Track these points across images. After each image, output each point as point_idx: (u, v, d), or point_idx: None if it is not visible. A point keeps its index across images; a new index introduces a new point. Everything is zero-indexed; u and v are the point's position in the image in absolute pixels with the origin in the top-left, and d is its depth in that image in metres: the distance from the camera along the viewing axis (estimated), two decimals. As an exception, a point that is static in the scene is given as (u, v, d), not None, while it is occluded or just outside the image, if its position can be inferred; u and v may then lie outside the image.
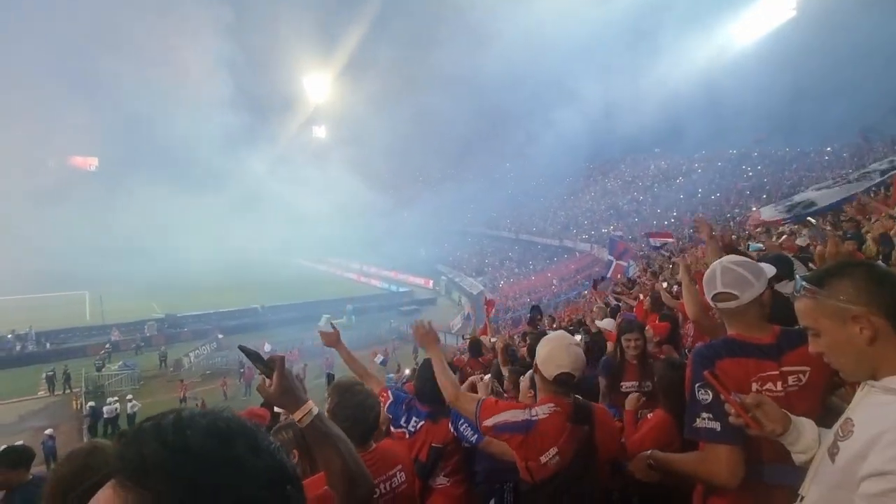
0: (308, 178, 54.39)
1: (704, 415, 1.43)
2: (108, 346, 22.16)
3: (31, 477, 2.84)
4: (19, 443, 3.51)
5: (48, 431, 12.59)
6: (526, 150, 51.90)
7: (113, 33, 51.48)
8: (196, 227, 45.91)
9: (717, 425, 1.39)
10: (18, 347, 21.68)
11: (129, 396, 15.97)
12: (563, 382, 1.85)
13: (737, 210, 25.47)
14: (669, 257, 13.86)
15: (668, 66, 44.69)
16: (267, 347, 18.85)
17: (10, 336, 21.65)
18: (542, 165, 50.42)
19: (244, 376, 19.08)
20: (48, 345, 22.56)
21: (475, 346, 5.71)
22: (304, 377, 18.52)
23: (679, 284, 4.67)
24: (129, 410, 15.20)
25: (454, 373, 2.61)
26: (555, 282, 31.53)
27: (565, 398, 1.89)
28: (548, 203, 47.28)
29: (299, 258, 51.43)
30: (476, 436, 2.22)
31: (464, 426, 2.29)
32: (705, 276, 1.64)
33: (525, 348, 5.06)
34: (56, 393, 18.04)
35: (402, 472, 1.90)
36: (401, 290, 39.01)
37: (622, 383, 3.03)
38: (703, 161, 39.27)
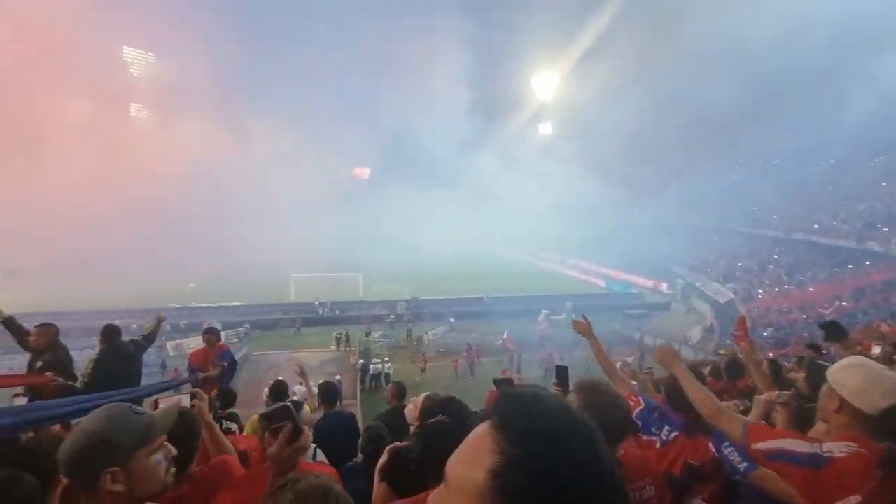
0: (535, 175, 56.11)
1: None
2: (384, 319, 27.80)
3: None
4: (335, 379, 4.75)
5: (337, 377, 16.55)
6: (809, 126, 39.88)
7: (380, 60, 63.46)
8: (439, 222, 53.20)
9: None
10: (321, 312, 29.22)
11: (387, 360, 19.61)
12: (889, 419, 1.42)
13: None
14: None
15: None
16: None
17: (317, 303, 29.36)
18: (834, 143, 38.48)
19: (468, 358, 21.11)
20: (336, 312, 29.71)
21: (734, 367, 4.47)
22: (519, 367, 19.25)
23: None
24: (385, 370, 18.79)
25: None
26: (846, 295, 23.93)
27: (875, 439, 1.45)
28: (844, 192, 35.39)
29: (524, 252, 53.71)
30: (745, 464, 1.79)
31: (729, 450, 1.87)
32: None
33: (802, 374, 3.79)
34: (341, 349, 23.59)
35: (652, 486, 1.74)
36: (628, 290, 36.30)
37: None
38: None
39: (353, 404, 15.21)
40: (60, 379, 3.93)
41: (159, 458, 1.25)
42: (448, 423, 1.69)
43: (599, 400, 1.65)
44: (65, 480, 1.19)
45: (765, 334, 22.25)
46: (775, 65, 43.90)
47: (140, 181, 42.32)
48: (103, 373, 4.32)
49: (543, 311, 29.27)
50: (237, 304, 29.10)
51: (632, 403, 2.11)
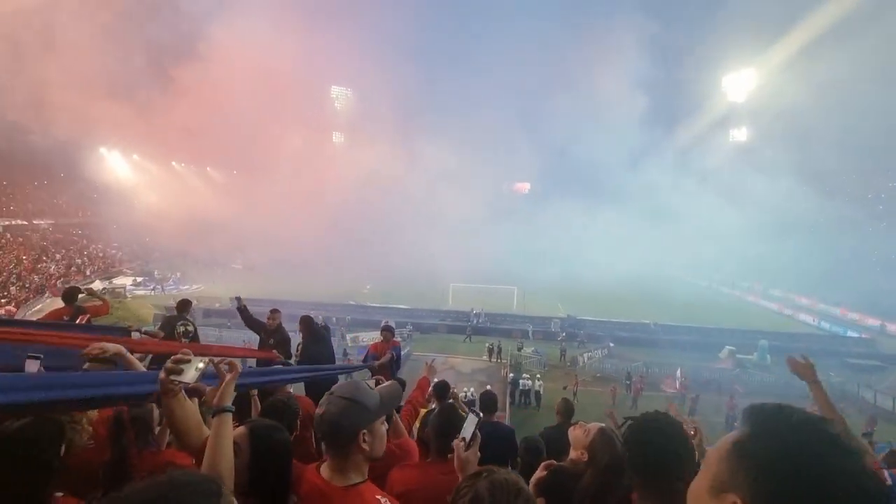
0: (725, 188, 48.55)
1: None
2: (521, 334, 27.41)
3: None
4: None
5: (488, 387, 16.65)
6: None
7: (546, 70, 62.67)
8: (603, 239, 50.06)
9: None
10: (475, 321, 30.04)
11: (539, 377, 18.94)
12: None
13: None
14: None
15: None
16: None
17: (472, 312, 30.30)
18: None
19: (632, 388, 18.99)
20: (489, 323, 30.14)
21: None
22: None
23: None
24: (536, 387, 18.13)
25: None
26: None
27: None
28: None
29: (703, 278, 46.92)
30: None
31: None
32: None
33: None
34: (493, 360, 23.75)
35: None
36: (854, 335, 28.54)
37: None
38: None
39: (501, 416, 15.03)
40: (281, 357, 5.04)
41: (385, 427, 1.58)
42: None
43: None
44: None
45: None
46: None
47: (334, 196, 49.99)
48: (308, 352, 5.36)
49: (727, 348, 24.87)
50: (402, 306, 31.80)
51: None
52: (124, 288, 32.79)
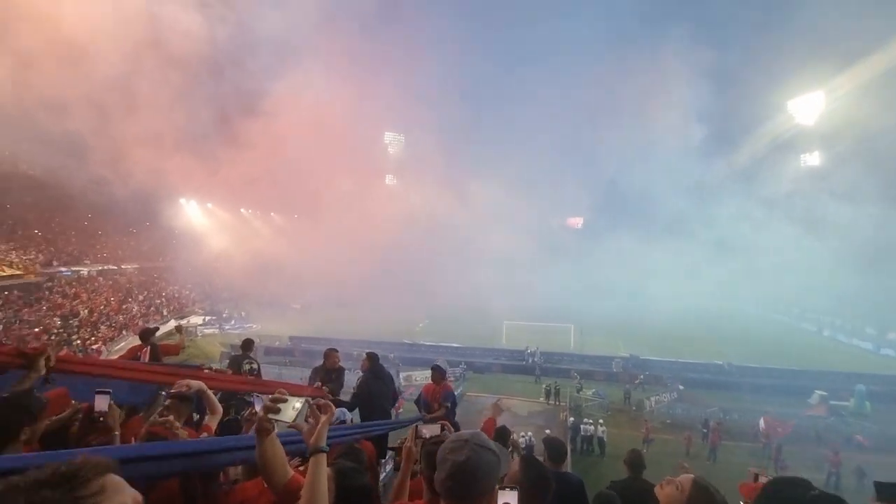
0: (801, 217, 44.87)
1: None
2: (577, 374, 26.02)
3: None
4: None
5: (547, 431, 15.78)
6: None
7: (595, 101, 61.95)
8: (668, 274, 47.52)
9: None
10: (530, 360, 29.00)
11: (601, 422, 17.71)
12: None
13: None
14: None
15: None
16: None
17: (527, 351, 29.33)
18: None
19: (709, 438, 17.25)
20: (546, 363, 28.95)
21: None
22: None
23: None
24: (598, 433, 16.90)
25: None
26: None
27: None
28: None
29: (780, 313, 42.96)
30: None
31: None
32: None
33: None
34: (550, 402, 22.62)
35: None
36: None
37: None
38: None
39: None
40: (328, 393, 5.11)
41: None
42: None
43: None
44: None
45: None
46: None
47: (387, 237, 51.46)
48: (368, 388, 5.39)
49: (817, 393, 22.26)
50: (455, 345, 31.44)
51: None
52: (195, 327, 34.97)
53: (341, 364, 5.88)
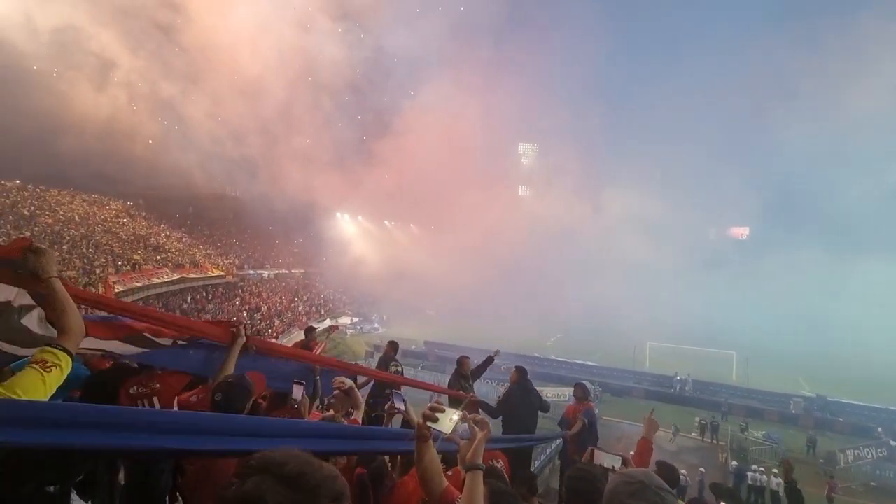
0: None
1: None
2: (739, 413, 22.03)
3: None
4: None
5: (701, 470, 13.75)
6: None
7: (765, 89, 52.96)
8: (863, 299, 38.22)
9: None
10: (678, 388, 25.71)
11: (775, 472, 14.72)
12: None
13: None
14: None
15: None
16: None
17: (676, 377, 26.12)
18: None
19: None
20: (698, 393, 25.34)
21: None
22: None
23: None
24: (772, 486, 14.02)
25: None
26: None
27: None
28: None
29: None
30: None
31: None
32: None
33: None
34: (705, 439, 19.67)
35: None
36: None
37: None
38: None
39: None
40: (475, 397, 5.46)
41: None
42: None
43: None
44: None
45: None
46: None
47: (523, 248, 51.17)
48: (514, 399, 5.48)
49: None
50: (590, 363, 29.55)
51: None
52: (345, 326, 39.16)
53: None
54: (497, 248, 50.66)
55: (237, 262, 42.12)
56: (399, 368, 6.10)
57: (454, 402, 5.14)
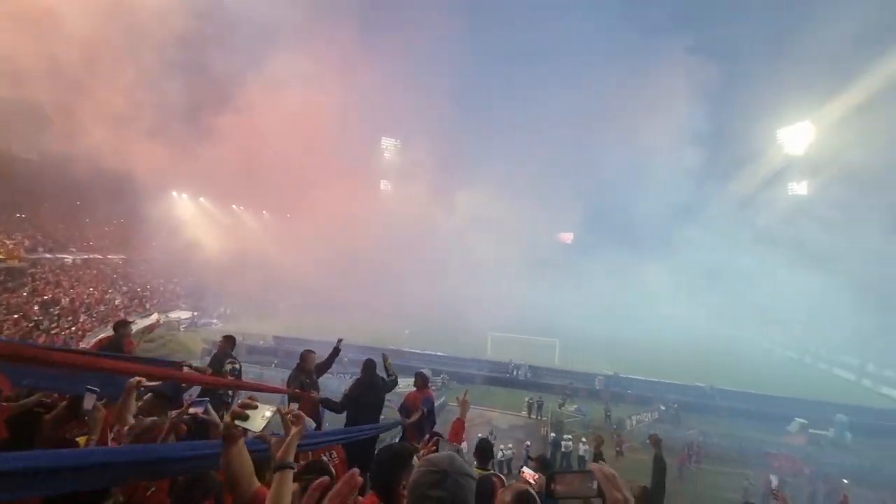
0: (787, 245, 45.74)
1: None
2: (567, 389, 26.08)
3: None
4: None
5: (527, 443, 15.79)
6: None
7: (590, 118, 62.04)
8: (658, 296, 47.90)
9: None
10: (514, 373, 28.97)
11: (584, 439, 17.71)
12: None
13: None
14: None
15: None
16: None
17: (511, 363, 29.30)
18: None
19: (680, 458, 17.46)
20: (530, 375, 28.93)
21: None
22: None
23: None
24: (580, 451, 16.89)
25: None
26: None
27: None
28: None
29: (767, 340, 43.53)
30: None
31: None
32: None
33: None
34: (532, 416, 22.60)
35: None
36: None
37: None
38: None
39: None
40: (318, 394, 5.17)
41: None
42: None
43: None
44: None
45: None
46: None
47: (377, 241, 51.35)
48: (355, 395, 5.28)
49: (797, 420, 22.49)
50: (440, 353, 31.32)
51: None
52: (178, 321, 34.47)
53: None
54: (355, 241, 50.04)
55: (27, 242, 33.69)
56: (236, 366, 5.58)
57: (297, 402, 4.96)
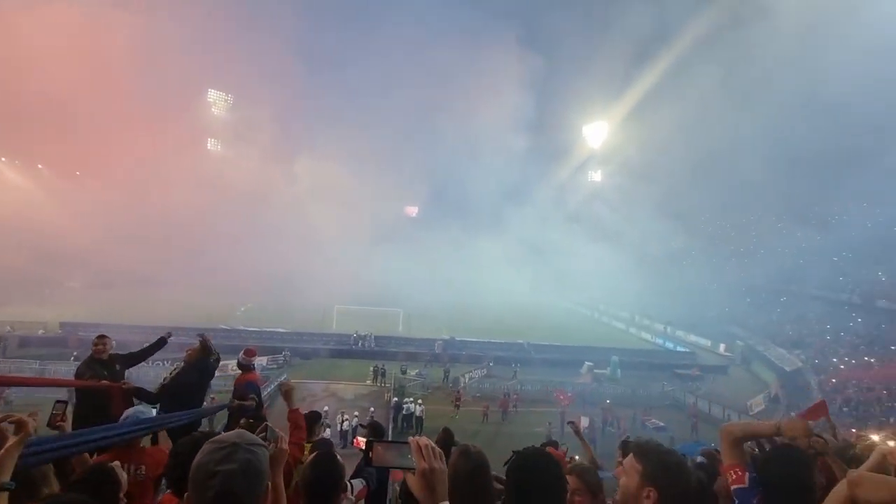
0: (587, 224, 55.75)
1: None
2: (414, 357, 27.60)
3: None
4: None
5: (372, 409, 16.34)
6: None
7: (432, 96, 64.19)
8: (485, 266, 53.08)
9: None
10: (359, 344, 29.26)
11: (419, 401, 19.11)
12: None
13: None
14: None
15: None
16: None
17: (354, 335, 29.47)
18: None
19: (500, 403, 20.42)
20: (375, 345, 29.61)
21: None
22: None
23: None
24: (417, 412, 18.23)
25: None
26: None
27: None
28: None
29: (576, 303, 52.49)
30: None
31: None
32: None
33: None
34: (377, 384, 23.33)
35: None
36: (679, 349, 34.20)
37: None
38: None
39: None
40: (131, 385, 4.28)
41: None
42: None
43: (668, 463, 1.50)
44: None
45: (845, 409, 20.05)
46: (860, 115, 39.81)
47: (203, 208, 45.31)
48: (178, 382, 4.63)
49: (586, 364, 27.96)
50: (281, 330, 29.78)
51: (733, 476, 1.86)
52: None
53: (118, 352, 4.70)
54: (173, 207, 43.24)
55: None
56: None
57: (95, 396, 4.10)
